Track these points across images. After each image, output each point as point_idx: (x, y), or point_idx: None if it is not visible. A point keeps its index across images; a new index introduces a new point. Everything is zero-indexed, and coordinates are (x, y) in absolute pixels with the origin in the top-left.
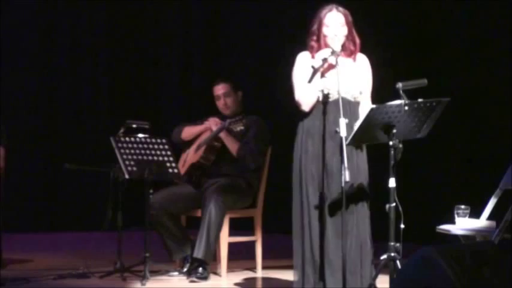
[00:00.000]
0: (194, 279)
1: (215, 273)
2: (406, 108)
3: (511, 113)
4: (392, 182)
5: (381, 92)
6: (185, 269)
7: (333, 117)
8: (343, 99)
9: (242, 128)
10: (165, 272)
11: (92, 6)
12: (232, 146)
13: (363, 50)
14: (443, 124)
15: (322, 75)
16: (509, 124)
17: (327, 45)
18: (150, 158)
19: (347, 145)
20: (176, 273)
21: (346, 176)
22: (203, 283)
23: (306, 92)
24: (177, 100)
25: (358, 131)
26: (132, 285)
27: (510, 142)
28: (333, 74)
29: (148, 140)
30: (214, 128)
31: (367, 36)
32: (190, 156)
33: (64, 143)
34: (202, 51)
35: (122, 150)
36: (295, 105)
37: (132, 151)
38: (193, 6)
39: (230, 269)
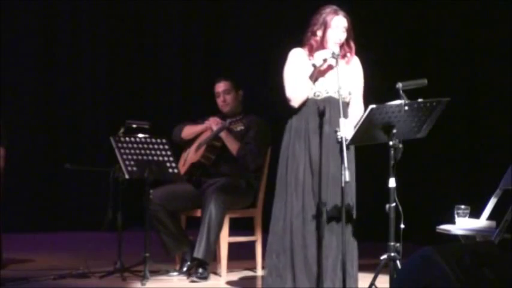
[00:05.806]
0: (194, 279)
1: (215, 273)
2: (406, 108)
3: (511, 113)
4: (392, 182)
5: (381, 92)
6: (185, 269)
7: (323, 116)
8: (333, 98)
9: (242, 128)
10: (165, 272)
11: (92, 5)
12: (233, 146)
13: (363, 50)
14: (443, 124)
15: (320, 75)
16: (509, 124)
17: (326, 47)
18: (150, 158)
19: (347, 145)
20: (176, 273)
21: (346, 176)
22: (203, 283)
23: (298, 88)
24: (177, 100)
25: (358, 131)
26: (132, 285)
27: (510, 142)
28: (327, 75)
29: (148, 140)
30: (215, 128)
31: (368, 36)
32: (190, 155)
33: (64, 143)
34: (202, 51)
35: (122, 150)
36: (286, 101)
37: (132, 151)
38: (193, 6)
39: (230, 269)
